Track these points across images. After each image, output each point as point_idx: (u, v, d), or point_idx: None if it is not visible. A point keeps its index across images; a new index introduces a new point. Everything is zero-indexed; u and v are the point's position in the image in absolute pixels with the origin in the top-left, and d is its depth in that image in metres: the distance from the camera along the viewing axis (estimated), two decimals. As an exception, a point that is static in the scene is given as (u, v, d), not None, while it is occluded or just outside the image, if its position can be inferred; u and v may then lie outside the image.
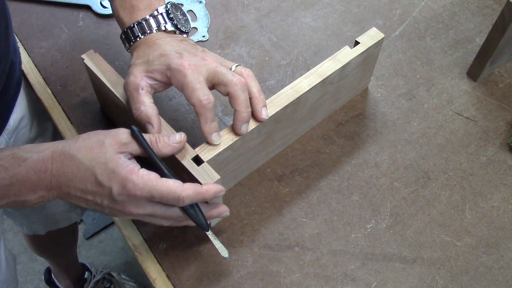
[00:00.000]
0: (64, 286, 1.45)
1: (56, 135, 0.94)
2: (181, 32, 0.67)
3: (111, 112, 0.76)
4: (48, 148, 0.56)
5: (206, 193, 0.57)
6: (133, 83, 0.61)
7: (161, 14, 0.66)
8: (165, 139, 0.58)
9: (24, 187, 0.55)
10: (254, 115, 0.64)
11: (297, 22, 0.91)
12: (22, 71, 0.82)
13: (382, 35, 0.74)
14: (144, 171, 0.55)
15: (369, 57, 0.75)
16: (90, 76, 0.73)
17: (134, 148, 0.57)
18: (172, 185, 0.55)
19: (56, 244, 1.26)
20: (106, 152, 0.55)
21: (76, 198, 0.56)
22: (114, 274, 1.49)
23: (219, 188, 0.58)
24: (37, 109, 0.87)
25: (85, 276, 1.46)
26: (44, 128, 0.91)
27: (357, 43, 0.73)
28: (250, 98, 0.63)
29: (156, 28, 0.65)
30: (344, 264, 0.67)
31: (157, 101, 0.63)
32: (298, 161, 0.75)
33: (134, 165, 0.55)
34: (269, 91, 0.81)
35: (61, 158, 0.55)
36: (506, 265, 0.67)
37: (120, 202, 0.55)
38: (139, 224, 0.69)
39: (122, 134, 0.57)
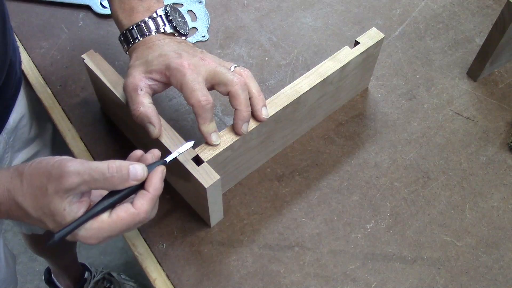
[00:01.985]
0: (64, 286, 1.45)
1: (56, 135, 0.94)
2: (180, 34, 0.67)
3: (111, 112, 0.76)
4: None
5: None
6: (131, 84, 0.61)
7: (160, 16, 0.66)
8: (124, 174, 0.52)
9: None
10: (254, 115, 0.64)
11: (297, 22, 0.91)
12: (22, 71, 0.82)
13: (382, 35, 0.74)
14: (91, 223, 0.52)
15: (369, 57, 0.75)
16: (90, 76, 0.73)
17: (83, 189, 0.51)
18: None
19: (55, 243, 1.26)
20: (50, 202, 0.50)
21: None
22: (114, 274, 1.49)
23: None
24: (37, 109, 0.86)
25: (85, 276, 1.46)
26: (43, 128, 0.91)
27: (357, 43, 0.73)
28: (249, 98, 0.63)
29: (155, 30, 0.65)
30: (344, 264, 0.67)
31: (157, 101, 0.63)
32: (298, 161, 0.75)
33: (80, 215, 0.52)
34: (269, 91, 0.81)
35: (9, 203, 0.52)
36: (506, 265, 0.67)
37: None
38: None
39: (67, 178, 0.49)
